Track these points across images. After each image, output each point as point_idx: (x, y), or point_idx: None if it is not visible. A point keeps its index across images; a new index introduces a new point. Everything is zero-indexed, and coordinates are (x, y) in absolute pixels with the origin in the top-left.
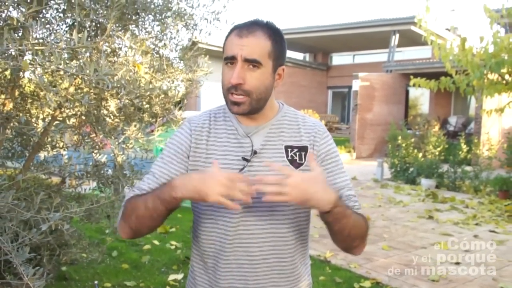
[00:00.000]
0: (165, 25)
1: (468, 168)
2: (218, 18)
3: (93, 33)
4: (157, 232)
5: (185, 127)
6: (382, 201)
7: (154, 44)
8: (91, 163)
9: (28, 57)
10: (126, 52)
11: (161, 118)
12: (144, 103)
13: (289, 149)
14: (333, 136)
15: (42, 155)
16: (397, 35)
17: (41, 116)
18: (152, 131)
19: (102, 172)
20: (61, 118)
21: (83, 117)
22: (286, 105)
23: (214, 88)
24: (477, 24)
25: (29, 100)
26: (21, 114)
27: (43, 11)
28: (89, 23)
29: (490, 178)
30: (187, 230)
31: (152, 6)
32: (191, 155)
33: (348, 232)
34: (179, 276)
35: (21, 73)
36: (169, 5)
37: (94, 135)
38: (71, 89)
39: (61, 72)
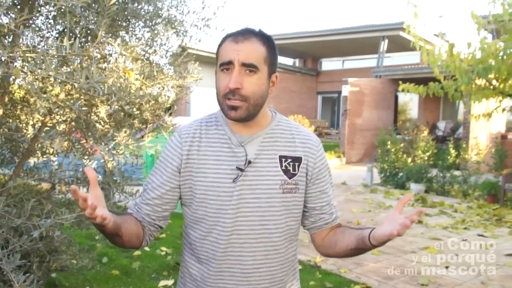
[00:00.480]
0: (155, 31)
1: (457, 173)
2: (208, 25)
3: (83, 39)
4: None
5: (174, 139)
6: (372, 206)
7: (144, 50)
8: (81, 169)
9: (18, 63)
10: (116, 58)
11: (151, 124)
12: (135, 109)
13: (283, 159)
14: (323, 141)
15: (32, 161)
16: (386, 40)
17: (31, 122)
18: (142, 137)
19: None
20: (51, 124)
21: (73, 123)
22: (278, 113)
23: (204, 94)
24: (464, 30)
25: (19, 106)
26: (11, 120)
27: (33, 17)
28: (79, 29)
29: (478, 183)
30: (177, 236)
31: (143, 12)
32: (182, 168)
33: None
34: (170, 282)
35: (11, 79)
36: (160, 11)
37: (84, 141)
38: (62, 95)
39: (51, 79)
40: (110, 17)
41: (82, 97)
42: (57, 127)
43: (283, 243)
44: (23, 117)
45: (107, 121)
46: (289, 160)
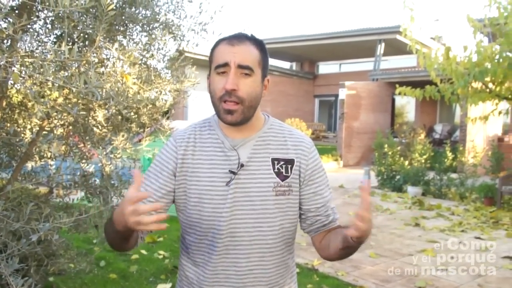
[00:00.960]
0: (153, 36)
1: (453, 176)
2: (205, 29)
3: (81, 44)
4: (144, 241)
5: (170, 144)
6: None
7: (142, 54)
8: (79, 173)
9: (16, 68)
10: (114, 62)
11: (148, 128)
12: (132, 113)
13: (276, 162)
14: (320, 144)
15: (29, 165)
16: (383, 44)
17: (28, 126)
18: (140, 140)
19: (90, 182)
20: (49, 128)
21: (71, 127)
22: (272, 117)
23: (202, 98)
24: (461, 34)
25: (17, 111)
26: (8, 125)
27: (31, 22)
28: (77, 34)
29: (475, 185)
30: (174, 239)
31: (140, 17)
32: (177, 172)
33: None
34: (167, 286)
35: (9, 83)
36: (157, 16)
37: (82, 145)
38: (60, 100)
39: (50, 84)
40: (108, 22)
41: (80, 101)
42: (55, 131)
43: (279, 245)
44: (21, 121)
45: (105, 125)
46: (282, 163)
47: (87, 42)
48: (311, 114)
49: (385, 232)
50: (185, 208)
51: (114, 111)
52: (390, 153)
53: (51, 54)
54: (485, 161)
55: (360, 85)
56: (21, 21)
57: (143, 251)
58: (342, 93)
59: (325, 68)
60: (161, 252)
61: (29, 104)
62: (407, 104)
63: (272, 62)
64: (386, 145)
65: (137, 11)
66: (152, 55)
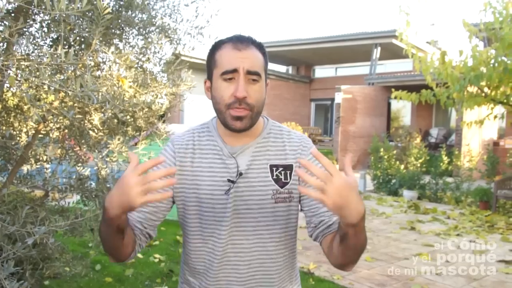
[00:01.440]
0: (149, 39)
1: (449, 180)
2: (201, 33)
3: (77, 47)
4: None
5: (168, 149)
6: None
7: (138, 58)
8: (74, 177)
9: (12, 71)
10: (110, 66)
11: (144, 132)
12: (128, 116)
13: (274, 168)
14: (316, 148)
15: (25, 168)
16: (379, 48)
17: (24, 130)
18: (136, 144)
19: (85, 185)
20: (44, 132)
21: (67, 131)
22: (271, 119)
23: (198, 102)
24: (456, 38)
25: (13, 114)
26: (4, 128)
27: (27, 25)
28: (73, 37)
29: (470, 189)
30: (170, 243)
31: (137, 20)
32: (176, 178)
33: (361, 246)
34: None
35: (5, 86)
36: (153, 20)
37: (78, 148)
38: (56, 103)
39: (46, 87)
40: (104, 26)
41: (76, 104)
42: (51, 135)
43: (280, 251)
44: (16, 125)
45: (101, 128)
46: (280, 169)
47: (83, 46)
48: (307, 118)
49: (380, 236)
50: (184, 215)
51: (110, 114)
52: (386, 157)
53: (47, 58)
54: (480, 165)
55: (356, 89)
56: (17, 24)
57: (139, 255)
58: (338, 97)
59: (321, 72)
60: (157, 255)
61: (25, 107)
62: (403, 108)
63: (268, 66)
64: (382, 149)
65: (133, 15)
66: (148, 58)
